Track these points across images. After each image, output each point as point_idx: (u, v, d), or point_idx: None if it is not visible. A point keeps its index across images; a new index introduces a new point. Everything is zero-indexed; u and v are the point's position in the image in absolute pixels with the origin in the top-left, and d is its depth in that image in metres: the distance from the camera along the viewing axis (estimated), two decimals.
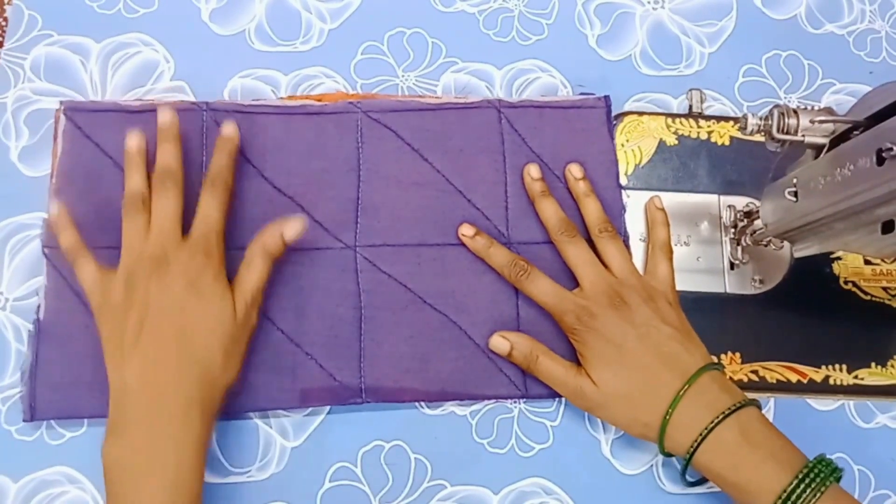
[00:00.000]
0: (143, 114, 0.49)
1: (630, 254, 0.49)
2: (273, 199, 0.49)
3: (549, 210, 0.49)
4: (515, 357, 0.46)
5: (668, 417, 0.42)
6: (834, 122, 0.40)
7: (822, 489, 0.39)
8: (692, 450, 0.41)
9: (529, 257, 0.49)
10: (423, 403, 0.47)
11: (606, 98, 0.53)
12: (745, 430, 0.41)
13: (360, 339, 0.47)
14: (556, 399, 0.48)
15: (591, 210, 0.49)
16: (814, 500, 0.38)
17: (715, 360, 0.45)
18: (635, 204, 0.52)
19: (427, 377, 0.47)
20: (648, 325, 0.44)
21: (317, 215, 0.49)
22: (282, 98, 0.52)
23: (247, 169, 0.49)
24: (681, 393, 0.42)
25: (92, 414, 0.45)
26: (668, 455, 0.44)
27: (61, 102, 0.50)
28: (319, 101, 0.52)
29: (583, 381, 0.44)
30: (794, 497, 0.38)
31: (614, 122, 0.54)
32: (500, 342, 0.47)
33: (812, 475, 0.39)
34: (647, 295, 0.46)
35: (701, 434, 0.41)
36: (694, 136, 0.54)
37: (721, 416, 0.41)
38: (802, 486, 0.38)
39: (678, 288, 0.50)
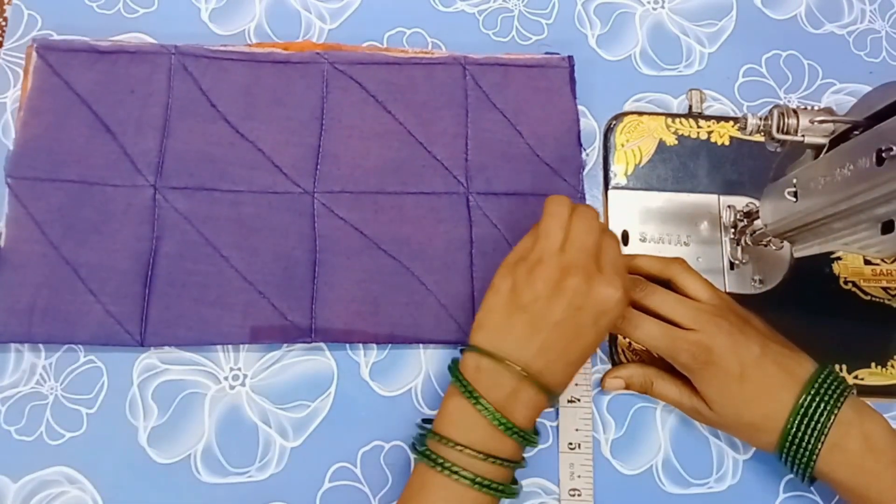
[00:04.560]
0: (113, 54, 0.51)
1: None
2: (235, 143, 0.50)
3: None
4: (633, 387, 0.47)
5: (790, 429, 0.41)
6: (834, 122, 0.40)
7: None
8: (813, 447, 0.41)
9: (487, 208, 0.50)
10: (422, 403, 0.47)
11: (570, 58, 0.54)
12: (869, 436, 0.40)
13: (314, 281, 0.48)
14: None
15: (646, 262, 0.48)
16: None
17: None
18: (632, 203, 0.52)
19: (377, 320, 0.48)
20: (761, 346, 0.43)
21: (277, 160, 0.50)
22: (249, 45, 0.53)
23: (210, 112, 0.51)
24: (801, 402, 0.41)
25: (45, 339, 0.46)
26: (792, 465, 0.42)
27: (33, 39, 0.51)
28: (286, 49, 0.53)
29: (699, 404, 0.44)
30: None
31: (614, 123, 0.54)
32: (614, 382, 0.47)
33: None
34: (742, 314, 0.45)
35: (821, 431, 0.40)
36: (694, 136, 0.54)
37: (832, 404, 0.40)
38: None
39: None
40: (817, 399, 0.41)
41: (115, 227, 0.48)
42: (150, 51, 0.52)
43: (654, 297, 0.45)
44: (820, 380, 0.42)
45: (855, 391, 0.42)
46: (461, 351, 0.42)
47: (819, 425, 0.40)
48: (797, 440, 0.41)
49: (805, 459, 0.41)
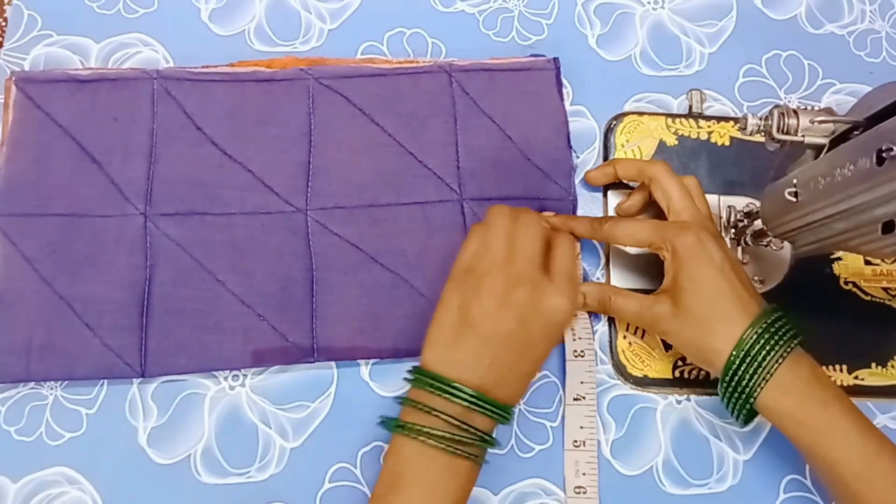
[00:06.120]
0: (93, 83, 0.51)
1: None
2: (223, 165, 0.50)
3: (579, 225, 0.47)
4: (590, 304, 0.46)
5: (743, 347, 0.41)
6: (834, 122, 0.40)
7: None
8: (760, 378, 0.40)
9: (481, 214, 0.50)
10: None
11: (555, 60, 0.54)
12: (815, 371, 0.41)
13: (313, 300, 0.48)
14: (555, 401, 0.48)
15: (623, 166, 0.49)
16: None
17: None
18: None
19: (379, 335, 0.47)
20: (733, 257, 0.44)
21: (267, 180, 0.50)
22: (232, 65, 0.52)
23: (197, 135, 0.50)
24: (760, 324, 0.41)
25: (44, 377, 0.46)
26: (728, 389, 0.42)
27: (12, 73, 0.51)
28: (269, 67, 0.52)
29: (660, 307, 0.43)
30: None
31: (614, 123, 0.54)
32: None
33: None
34: (717, 237, 0.45)
35: (770, 363, 0.40)
36: (694, 136, 0.54)
37: (787, 350, 0.41)
38: None
39: None
40: (766, 337, 0.41)
41: (108, 259, 0.47)
42: (131, 77, 0.51)
43: (622, 226, 0.45)
44: (773, 318, 0.42)
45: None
46: (412, 370, 0.42)
47: (765, 364, 0.40)
48: (737, 377, 0.41)
49: (743, 397, 0.41)
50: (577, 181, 0.52)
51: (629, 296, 0.45)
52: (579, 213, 0.52)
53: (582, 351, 0.48)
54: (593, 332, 0.49)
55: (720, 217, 0.52)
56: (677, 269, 0.43)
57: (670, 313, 0.43)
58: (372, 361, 0.48)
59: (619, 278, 0.50)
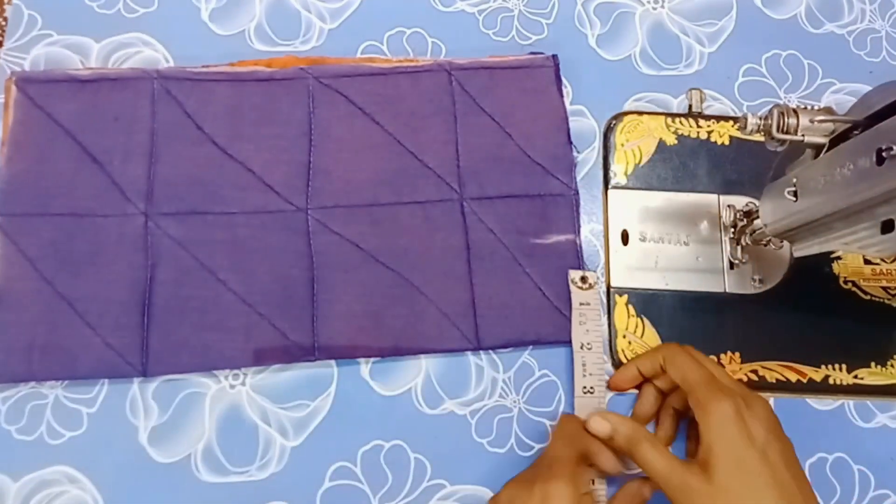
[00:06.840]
0: (94, 83, 0.51)
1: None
2: (224, 165, 0.50)
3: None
4: (617, 440, 0.42)
5: None
6: (833, 121, 0.40)
7: None
8: None
9: (481, 212, 0.50)
10: (422, 402, 0.47)
11: (554, 57, 0.55)
12: None
13: (313, 298, 0.48)
14: (555, 399, 0.48)
15: (641, 364, 0.47)
16: None
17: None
18: (632, 202, 0.52)
19: (379, 334, 0.47)
20: (777, 434, 0.40)
21: (267, 179, 0.50)
22: (232, 64, 0.52)
23: (197, 135, 0.50)
24: None
25: (47, 377, 0.46)
26: None
27: (12, 73, 0.50)
28: (269, 66, 0.52)
29: (691, 479, 0.38)
30: None
31: (614, 122, 0.54)
32: (600, 423, 0.43)
33: None
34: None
35: None
36: (694, 135, 0.54)
37: None
38: None
39: (677, 288, 0.50)
40: None
41: (109, 258, 0.47)
42: (131, 76, 0.51)
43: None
44: None
45: None
46: None
47: None
48: None
49: None
50: (578, 177, 0.53)
51: (660, 451, 0.41)
52: (581, 209, 0.52)
53: (591, 388, 0.47)
54: (605, 372, 0.48)
55: (720, 217, 0.52)
56: (711, 441, 0.39)
57: (702, 489, 0.38)
58: (372, 360, 0.48)
59: (620, 277, 0.51)
